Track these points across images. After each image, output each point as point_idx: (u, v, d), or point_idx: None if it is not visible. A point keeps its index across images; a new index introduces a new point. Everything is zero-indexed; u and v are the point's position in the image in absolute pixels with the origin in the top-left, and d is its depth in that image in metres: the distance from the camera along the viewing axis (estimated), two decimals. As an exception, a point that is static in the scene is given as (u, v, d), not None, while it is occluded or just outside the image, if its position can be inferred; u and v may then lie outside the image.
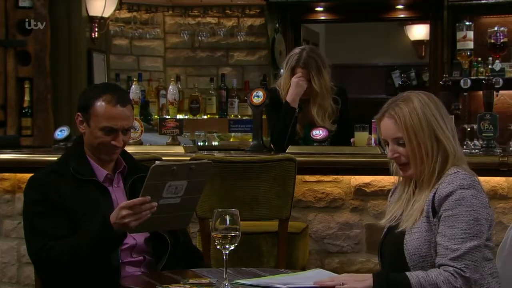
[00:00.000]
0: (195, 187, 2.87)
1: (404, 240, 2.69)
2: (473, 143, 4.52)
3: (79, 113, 3.14)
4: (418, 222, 2.69)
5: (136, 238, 3.07)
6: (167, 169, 2.78)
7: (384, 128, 2.79)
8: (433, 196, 2.68)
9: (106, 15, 6.22)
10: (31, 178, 3.13)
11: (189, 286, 2.63)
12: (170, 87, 4.76)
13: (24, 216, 3.12)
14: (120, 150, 3.15)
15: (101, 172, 3.13)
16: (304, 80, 4.50)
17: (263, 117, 4.59)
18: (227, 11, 7.24)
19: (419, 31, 9.48)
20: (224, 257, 2.64)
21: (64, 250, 2.90)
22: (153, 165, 2.77)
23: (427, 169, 2.72)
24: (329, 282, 2.58)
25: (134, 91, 4.68)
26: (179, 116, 6.00)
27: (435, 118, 2.73)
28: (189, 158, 3.94)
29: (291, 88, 4.51)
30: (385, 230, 2.86)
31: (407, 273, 2.60)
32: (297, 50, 4.61)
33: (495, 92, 4.67)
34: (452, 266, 2.57)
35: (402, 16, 7.91)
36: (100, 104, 3.07)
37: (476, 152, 4.30)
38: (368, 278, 2.58)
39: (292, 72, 4.54)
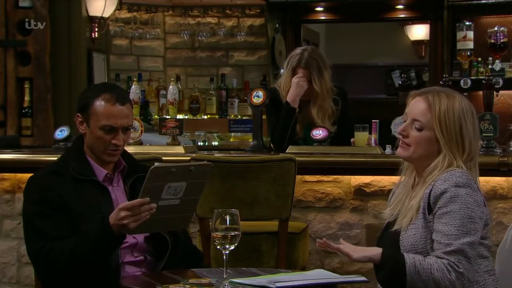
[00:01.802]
0: (195, 189, 2.87)
1: (400, 237, 2.71)
2: (473, 143, 4.51)
3: (78, 114, 3.14)
4: (414, 219, 2.70)
5: (136, 237, 3.07)
6: (166, 170, 2.78)
7: (414, 106, 2.77)
8: (429, 193, 2.69)
9: (106, 15, 6.22)
10: (31, 178, 3.13)
11: (189, 286, 2.63)
12: (170, 87, 4.76)
13: (23, 216, 3.12)
14: (121, 151, 3.15)
15: (101, 172, 3.13)
16: (305, 80, 4.50)
17: (263, 117, 4.59)
18: (227, 11, 7.24)
19: (419, 31, 9.47)
20: (224, 257, 2.64)
21: (64, 251, 2.90)
22: (152, 166, 2.77)
23: (433, 166, 2.72)
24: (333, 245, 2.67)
25: (134, 91, 4.68)
26: (179, 116, 5.99)
27: (468, 127, 2.71)
28: (189, 158, 3.94)
29: (292, 88, 4.51)
30: (384, 225, 2.87)
31: (405, 254, 2.63)
32: (298, 50, 4.60)
33: (495, 92, 4.67)
34: (447, 259, 2.58)
35: (402, 16, 7.91)
36: (99, 103, 3.08)
37: (476, 152, 4.29)
38: (372, 251, 2.66)
39: (293, 73, 4.53)
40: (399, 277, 2.59)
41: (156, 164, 2.96)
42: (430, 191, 2.69)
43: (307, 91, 4.52)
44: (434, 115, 2.71)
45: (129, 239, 3.03)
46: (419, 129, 2.74)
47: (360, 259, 2.68)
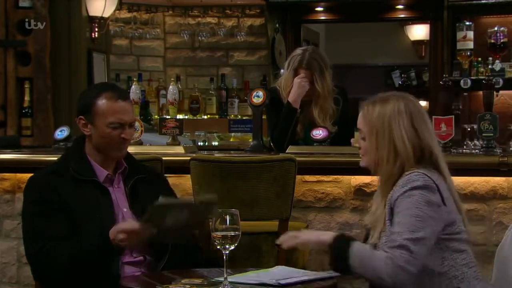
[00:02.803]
0: (198, 220, 2.89)
1: (376, 245, 2.74)
2: (473, 143, 4.52)
3: (81, 117, 3.13)
4: (383, 227, 2.75)
5: (136, 238, 3.08)
6: (170, 207, 2.81)
7: (359, 117, 2.87)
8: (390, 199, 2.74)
9: (106, 15, 6.22)
10: (31, 178, 3.13)
11: (189, 286, 2.63)
12: (170, 87, 4.76)
13: (23, 216, 3.12)
14: (128, 144, 3.16)
15: (102, 172, 3.12)
16: (306, 81, 4.50)
17: (263, 117, 4.59)
18: (227, 11, 7.24)
19: (419, 31, 9.48)
20: (224, 257, 2.64)
21: (63, 253, 2.91)
22: (156, 203, 2.78)
23: (384, 173, 2.77)
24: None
25: (134, 91, 4.68)
26: (179, 116, 6.00)
27: (400, 129, 2.75)
28: (189, 158, 3.94)
29: (293, 88, 4.51)
30: (365, 232, 2.91)
31: (356, 241, 2.70)
32: (299, 51, 4.59)
33: (495, 92, 4.66)
34: (389, 253, 2.61)
35: (402, 16, 7.91)
36: (102, 102, 3.08)
37: (476, 152, 4.29)
38: (326, 235, 2.75)
39: (295, 73, 4.52)
40: (343, 262, 2.64)
41: (160, 199, 2.88)
42: (391, 197, 2.73)
43: (309, 91, 4.51)
44: (367, 123, 2.80)
45: (129, 240, 3.03)
46: (363, 138, 2.83)
47: (312, 241, 2.79)
